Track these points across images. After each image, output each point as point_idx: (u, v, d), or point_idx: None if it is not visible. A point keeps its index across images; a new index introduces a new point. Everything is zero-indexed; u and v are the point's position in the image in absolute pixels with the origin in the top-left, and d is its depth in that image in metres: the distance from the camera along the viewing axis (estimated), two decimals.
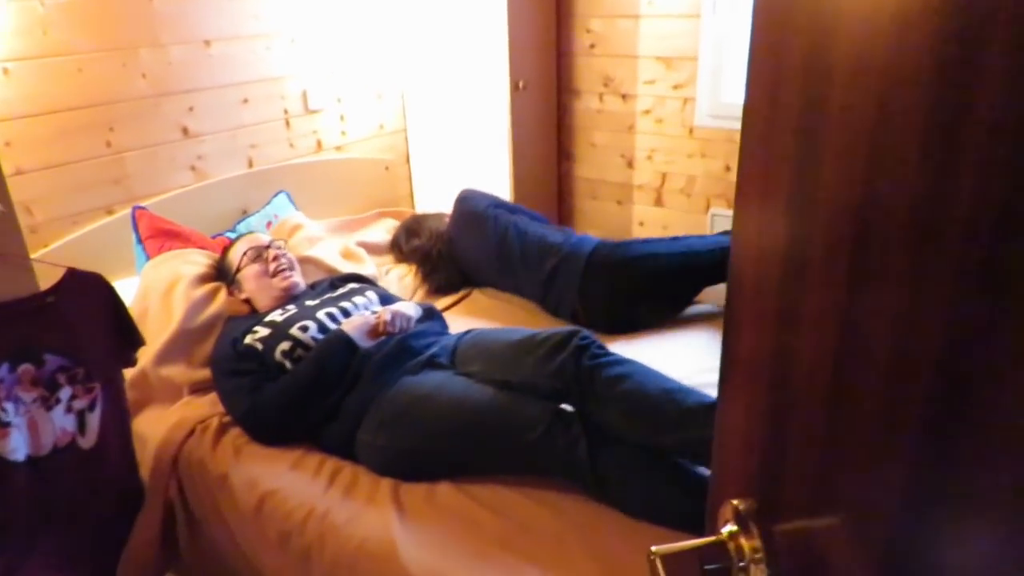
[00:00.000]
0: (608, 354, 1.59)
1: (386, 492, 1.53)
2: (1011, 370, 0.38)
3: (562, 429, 1.47)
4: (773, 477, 0.61)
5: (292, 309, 1.93)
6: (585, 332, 1.62)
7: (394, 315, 1.85)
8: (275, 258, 2.04)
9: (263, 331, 1.85)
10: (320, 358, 1.73)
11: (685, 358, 1.88)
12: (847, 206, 0.49)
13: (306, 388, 1.70)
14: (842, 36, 0.48)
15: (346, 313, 1.92)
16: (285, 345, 1.81)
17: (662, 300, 2.17)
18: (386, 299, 2.05)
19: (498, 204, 2.40)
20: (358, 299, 1.98)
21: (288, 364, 1.79)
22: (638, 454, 1.44)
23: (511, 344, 1.68)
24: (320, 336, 1.83)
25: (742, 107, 0.64)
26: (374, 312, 1.90)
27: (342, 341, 1.76)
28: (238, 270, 2.05)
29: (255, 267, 2.03)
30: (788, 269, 0.56)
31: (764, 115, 0.59)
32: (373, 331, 1.81)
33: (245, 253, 2.05)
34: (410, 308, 1.94)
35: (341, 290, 2.05)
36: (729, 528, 0.64)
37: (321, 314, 1.89)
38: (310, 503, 1.51)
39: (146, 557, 1.75)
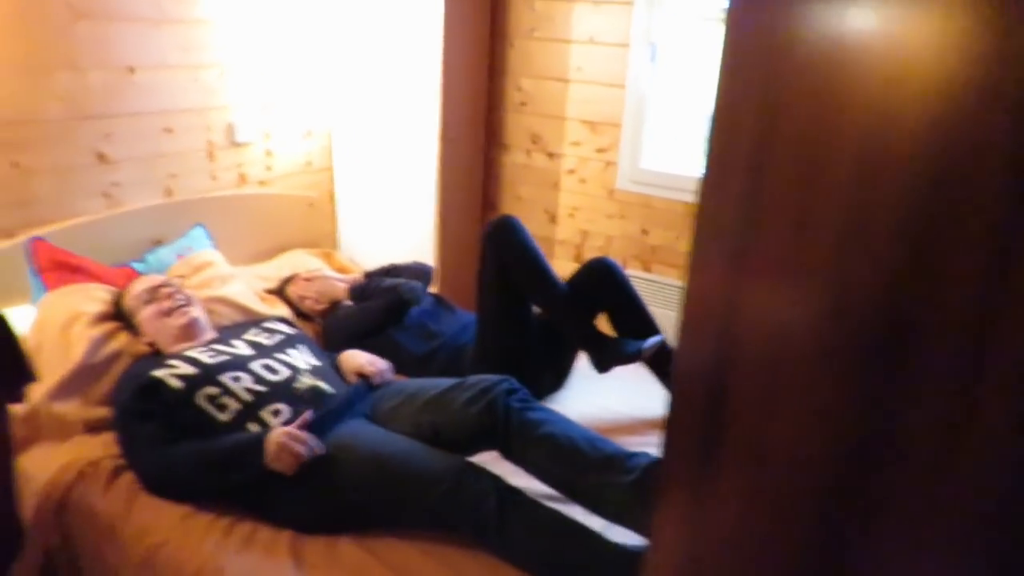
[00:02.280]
0: (535, 401, 1.70)
1: (285, 546, 1.50)
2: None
3: (472, 481, 1.50)
4: (698, 568, 0.65)
5: (224, 354, 1.84)
6: (514, 381, 1.71)
7: (382, 372, 1.95)
8: (168, 296, 1.98)
9: (186, 368, 1.76)
10: (228, 458, 1.60)
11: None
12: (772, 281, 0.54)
13: (213, 474, 1.60)
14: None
15: (287, 365, 1.85)
16: (212, 390, 1.73)
17: (561, 355, 2.22)
18: (315, 351, 2.01)
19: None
20: (292, 351, 1.93)
21: (211, 410, 1.71)
22: (549, 516, 1.48)
23: (440, 387, 1.74)
24: (256, 388, 1.75)
25: (699, 179, 0.67)
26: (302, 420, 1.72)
27: (254, 453, 1.56)
28: (133, 316, 1.98)
29: (150, 308, 1.96)
30: (724, 349, 0.61)
31: (716, 186, 0.64)
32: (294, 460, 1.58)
33: (138, 296, 1.99)
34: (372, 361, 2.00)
35: (276, 338, 1.98)
36: None
37: (256, 365, 1.82)
38: (203, 556, 1.47)
39: None
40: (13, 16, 2.02)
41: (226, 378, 1.75)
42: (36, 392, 1.80)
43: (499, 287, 2.09)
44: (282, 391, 1.76)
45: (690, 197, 2.75)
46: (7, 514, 1.67)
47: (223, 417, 1.70)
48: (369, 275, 2.57)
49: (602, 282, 2.15)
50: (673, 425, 0.71)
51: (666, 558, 0.72)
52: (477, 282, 2.15)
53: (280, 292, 2.52)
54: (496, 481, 1.51)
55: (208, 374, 1.75)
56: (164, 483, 1.64)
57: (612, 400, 2.17)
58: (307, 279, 2.51)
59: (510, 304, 2.09)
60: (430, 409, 1.70)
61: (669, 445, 0.71)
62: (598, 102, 2.90)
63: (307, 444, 1.55)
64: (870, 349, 0.50)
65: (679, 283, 2.86)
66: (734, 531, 0.60)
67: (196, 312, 1.99)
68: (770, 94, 0.56)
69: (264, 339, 1.96)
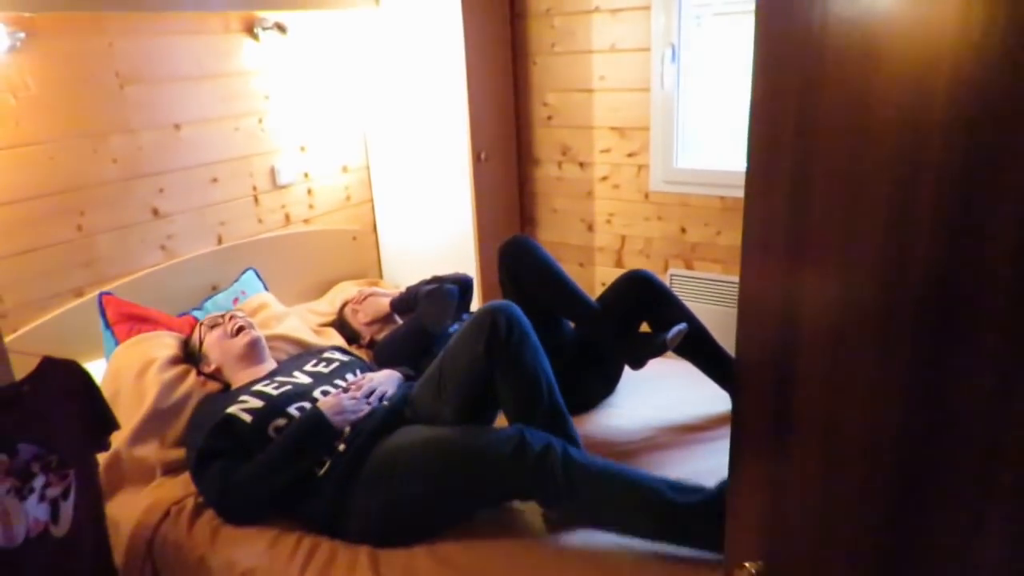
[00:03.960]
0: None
1: (365, 566, 1.54)
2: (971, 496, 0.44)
3: (532, 441, 1.56)
4: (779, 540, 0.67)
5: (287, 385, 1.93)
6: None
7: (370, 387, 1.90)
8: (231, 318, 2.12)
9: (254, 402, 1.85)
10: (298, 440, 1.73)
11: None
12: (835, 263, 0.56)
13: (280, 471, 1.70)
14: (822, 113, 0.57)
15: (338, 388, 1.93)
16: (280, 422, 1.81)
17: (606, 362, 2.22)
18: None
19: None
20: (349, 376, 2.01)
21: None
22: (610, 471, 1.54)
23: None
24: None
25: (745, 174, 0.68)
26: (350, 384, 1.94)
27: (318, 421, 1.76)
28: (201, 343, 2.10)
29: (216, 332, 2.09)
30: (786, 335, 0.63)
31: (761, 182, 0.66)
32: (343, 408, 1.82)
33: (203, 324, 2.14)
34: (390, 378, 2.00)
35: (333, 366, 2.07)
36: None
37: (317, 392, 1.90)
38: None
39: None
40: (67, 87, 2.15)
41: (292, 409, 1.83)
42: (116, 439, 1.88)
43: (523, 307, 2.12)
44: None
45: (727, 191, 2.75)
46: (103, 558, 1.76)
47: None
48: (409, 288, 2.62)
49: (642, 292, 2.15)
50: (743, 403, 0.73)
51: (746, 523, 0.74)
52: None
53: (339, 320, 2.61)
54: (551, 438, 1.58)
55: (275, 406, 1.83)
56: (241, 505, 1.71)
57: (666, 399, 2.17)
58: (357, 303, 2.59)
59: (537, 322, 2.09)
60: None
61: (740, 423, 0.73)
62: (624, 108, 2.93)
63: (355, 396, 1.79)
64: (925, 323, 0.51)
65: (722, 277, 2.85)
66: (816, 499, 0.62)
67: (257, 332, 2.10)
68: (809, 74, 0.57)
69: (322, 368, 2.04)
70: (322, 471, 1.72)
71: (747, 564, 0.70)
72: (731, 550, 0.77)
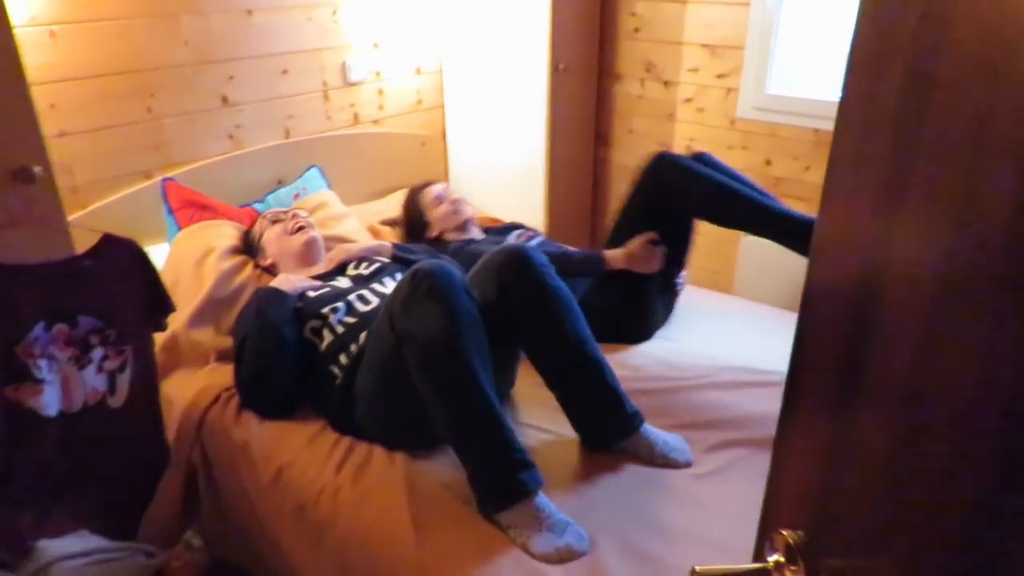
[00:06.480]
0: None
1: (400, 471, 1.54)
2: None
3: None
4: (826, 513, 0.60)
5: (326, 288, 1.93)
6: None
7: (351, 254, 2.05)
8: (293, 216, 2.12)
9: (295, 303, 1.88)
10: (257, 312, 1.80)
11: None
12: (942, 213, 0.46)
13: (263, 352, 1.74)
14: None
15: (379, 295, 1.88)
16: (315, 323, 1.82)
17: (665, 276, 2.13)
18: None
19: None
20: (387, 280, 1.97)
21: (315, 340, 1.80)
22: None
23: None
24: (345, 319, 1.81)
25: (838, 104, 0.59)
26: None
27: (267, 292, 1.85)
28: (260, 236, 2.11)
29: (276, 228, 2.10)
30: (870, 284, 0.54)
31: (860, 108, 0.56)
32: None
33: (265, 217, 2.15)
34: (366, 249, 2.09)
35: (373, 267, 2.03)
36: (775, 558, 0.63)
37: (352, 297, 1.88)
38: (324, 479, 1.54)
39: (169, 516, 1.80)
40: None
41: (326, 310, 1.83)
42: (174, 321, 1.93)
43: (648, 217, 2.06)
44: (370, 322, 1.79)
45: (822, 124, 2.53)
46: (155, 432, 1.83)
47: (322, 348, 1.79)
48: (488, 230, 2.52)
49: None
50: (803, 355, 0.64)
51: (790, 487, 0.67)
52: (619, 215, 2.14)
53: (411, 202, 2.46)
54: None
55: (311, 308, 1.84)
56: (256, 398, 1.78)
57: (724, 339, 2.07)
58: (449, 199, 2.42)
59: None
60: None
61: (798, 378, 0.65)
62: (719, 23, 2.70)
63: None
64: None
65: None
66: (880, 473, 0.54)
67: (315, 233, 2.10)
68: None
69: (363, 270, 2.02)
70: (337, 381, 1.72)
71: (784, 532, 0.62)
72: (768, 512, 0.70)
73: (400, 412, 1.58)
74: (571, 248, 2.24)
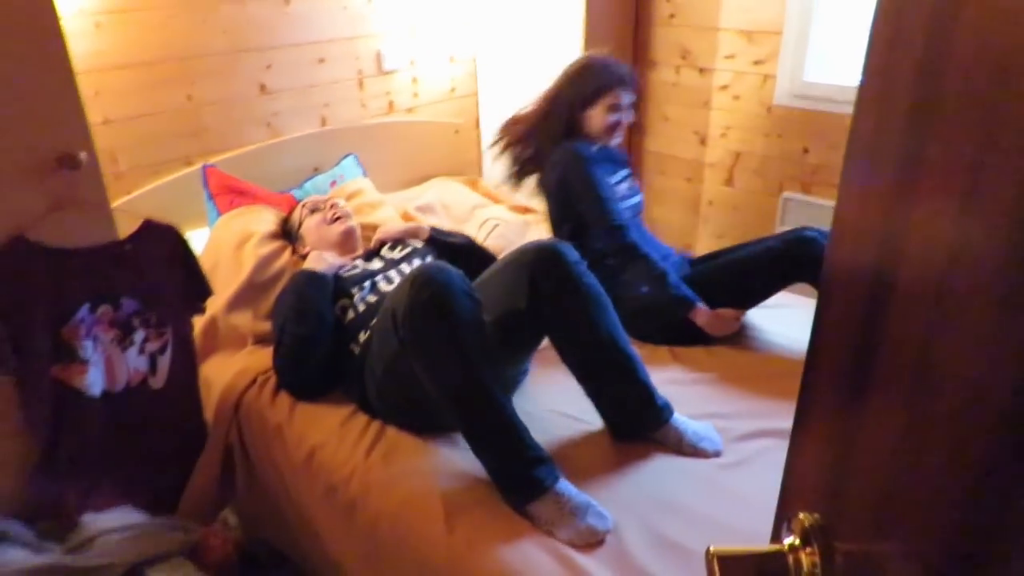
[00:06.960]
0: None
1: (429, 457, 1.56)
2: None
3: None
4: (842, 496, 0.60)
5: (357, 267, 1.97)
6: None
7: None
8: (332, 206, 2.14)
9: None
10: (297, 294, 1.83)
11: None
12: (960, 196, 0.46)
13: (294, 334, 1.77)
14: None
15: (402, 275, 1.92)
16: (344, 302, 1.88)
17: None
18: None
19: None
20: (416, 262, 2.00)
21: (342, 320, 1.86)
22: None
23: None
24: (368, 298, 1.86)
25: (856, 88, 0.59)
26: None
27: (305, 274, 1.87)
28: (300, 224, 2.14)
29: (315, 217, 2.12)
30: (884, 269, 0.54)
31: (878, 87, 0.56)
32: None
33: (304, 205, 2.17)
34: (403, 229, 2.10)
35: (404, 251, 2.05)
36: (791, 540, 0.63)
37: (379, 278, 1.92)
38: (354, 460, 1.57)
39: (206, 494, 1.86)
40: None
41: (354, 290, 1.88)
42: (213, 305, 1.97)
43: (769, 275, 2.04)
44: None
45: None
46: (194, 413, 1.89)
47: (345, 324, 1.85)
48: None
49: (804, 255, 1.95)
50: (821, 338, 0.64)
51: (808, 469, 0.66)
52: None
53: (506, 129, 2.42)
54: None
55: (342, 288, 1.89)
56: (290, 379, 1.81)
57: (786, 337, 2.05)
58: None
59: None
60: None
61: (816, 360, 0.65)
62: (756, 8, 2.65)
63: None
64: None
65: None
66: (885, 459, 0.53)
67: (353, 223, 2.13)
68: None
69: (396, 253, 2.04)
70: (355, 358, 1.77)
71: (802, 515, 0.62)
72: (786, 494, 0.70)
73: (408, 400, 1.61)
74: (670, 268, 2.02)
